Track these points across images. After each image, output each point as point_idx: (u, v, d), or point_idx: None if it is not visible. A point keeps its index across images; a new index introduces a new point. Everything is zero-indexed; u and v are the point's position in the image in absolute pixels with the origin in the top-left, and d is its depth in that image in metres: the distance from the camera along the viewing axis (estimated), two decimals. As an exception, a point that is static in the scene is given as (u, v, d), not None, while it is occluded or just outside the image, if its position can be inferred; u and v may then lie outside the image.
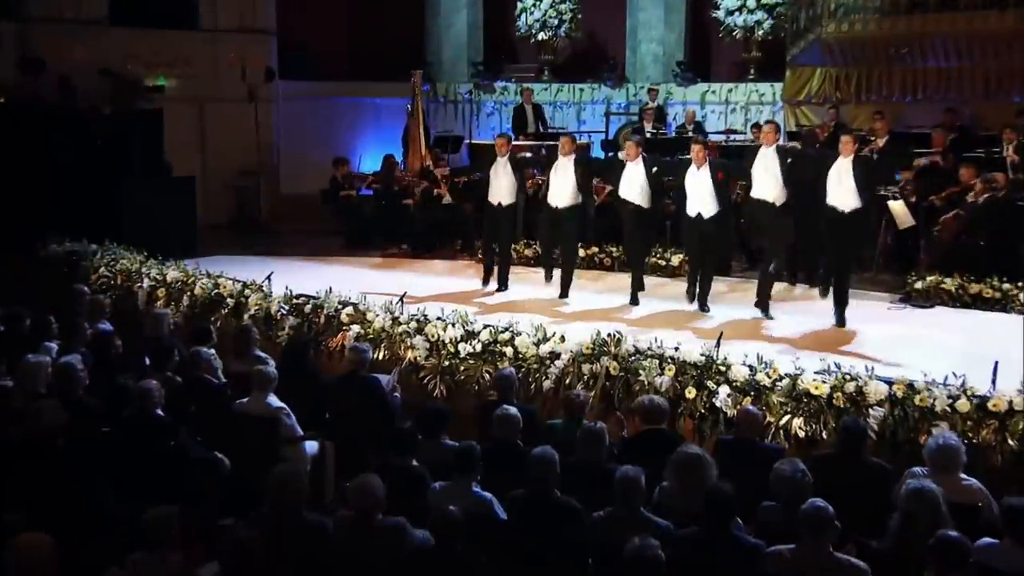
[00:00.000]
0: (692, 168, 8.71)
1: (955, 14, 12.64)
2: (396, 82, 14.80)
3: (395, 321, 7.92)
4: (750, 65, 15.57)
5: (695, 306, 8.94)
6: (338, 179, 13.12)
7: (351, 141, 15.72)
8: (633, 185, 9.06)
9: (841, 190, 7.99)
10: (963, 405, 5.64)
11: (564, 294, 9.49)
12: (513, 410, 5.39)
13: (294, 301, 8.54)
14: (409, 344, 7.67)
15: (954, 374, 5.85)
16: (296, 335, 7.97)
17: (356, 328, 7.97)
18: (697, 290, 8.93)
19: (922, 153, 11.44)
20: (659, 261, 10.53)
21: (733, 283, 10.10)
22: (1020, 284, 8.54)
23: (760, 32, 15.09)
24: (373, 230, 12.74)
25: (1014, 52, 12.61)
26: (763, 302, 8.60)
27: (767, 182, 8.38)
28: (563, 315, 8.81)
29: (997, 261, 8.99)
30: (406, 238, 12.29)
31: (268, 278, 8.97)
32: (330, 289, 8.55)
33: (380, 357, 7.71)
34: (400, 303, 8.25)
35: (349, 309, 8.21)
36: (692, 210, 8.70)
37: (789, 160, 8.34)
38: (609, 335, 6.97)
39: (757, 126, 13.62)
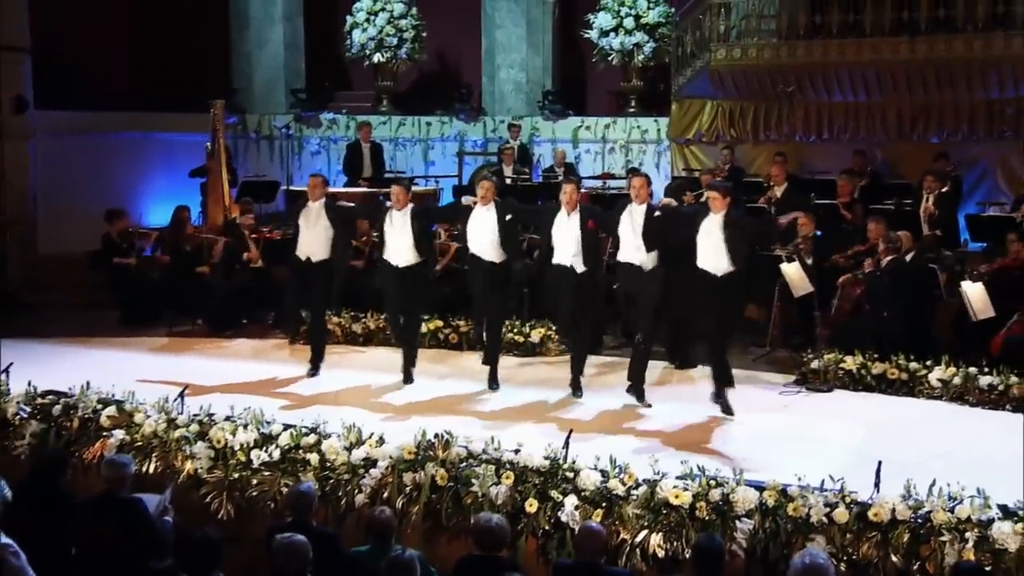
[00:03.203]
0: (561, 214, 9.08)
1: (861, 41, 13.65)
2: (193, 113, 14.77)
3: (171, 424, 7.92)
4: (630, 96, 16.31)
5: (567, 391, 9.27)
6: (113, 237, 12.97)
7: (134, 188, 15.62)
8: (482, 235, 9.34)
9: (711, 252, 8.49)
10: (840, 515, 6.03)
11: (408, 379, 9.72)
12: (299, 537, 5.47)
13: (39, 401, 8.42)
14: (188, 453, 7.65)
15: (831, 477, 6.26)
16: (46, 450, 7.83)
17: (119, 434, 7.91)
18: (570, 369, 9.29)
19: (824, 205, 12.18)
20: (515, 337, 10.81)
21: (605, 363, 10.46)
22: (929, 363, 9.15)
23: (640, 57, 15.86)
24: (159, 302, 12.61)
25: (929, 86, 13.65)
26: (636, 386, 8.98)
27: (633, 243, 8.81)
28: (393, 408, 8.98)
29: (904, 336, 9.62)
30: (201, 312, 12.25)
31: (6, 370, 8.83)
32: (88, 384, 8.48)
33: (150, 470, 7.70)
34: (180, 399, 8.24)
35: (111, 409, 8.15)
36: (558, 262, 9.07)
37: (656, 215, 8.77)
38: (436, 436, 7.15)
39: (635, 171, 14.20)
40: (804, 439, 8.00)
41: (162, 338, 11.81)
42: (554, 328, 10.70)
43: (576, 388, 9.26)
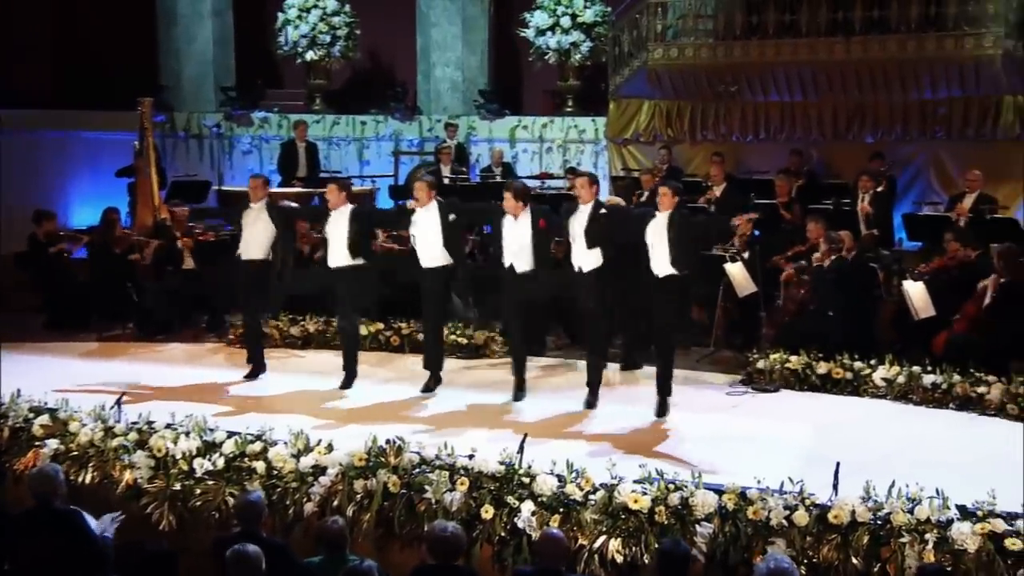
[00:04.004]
0: (507, 219, 9.00)
1: (797, 41, 13.77)
2: (120, 111, 14.53)
3: (108, 432, 7.71)
4: (567, 96, 16.27)
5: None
6: (40, 239, 12.64)
7: (57, 188, 15.26)
8: (424, 237, 9.22)
9: (657, 252, 8.47)
10: (800, 517, 6.00)
11: (348, 383, 9.56)
12: (253, 547, 5.32)
13: (-36, 411, 8.17)
14: (127, 462, 7.45)
15: (790, 479, 6.24)
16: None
17: (53, 443, 7.69)
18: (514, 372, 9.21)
19: (761, 205, 12.22)
20: (459, 338, 10.69)
21: (548, 364, 10.39)
22: (873, 363, 9.22)
23: (577, 57, 15.82)
24: (88, 306, 12.33)
25: (864, 86, 13.82)
26: (590, 393, 8.94)
27: (579, 247, 8.76)
28: (337, 414, 8.82)
29: (848, 335, 9.69)
30: (132, 315, 12.02)
31: (-70, 378, 8.57)
32: (19, 391, 8.27)
33: (87, 480, 7.50)
34: (117, 407, 8.03)
35: (44, 418, 7.93)
36: (507, 262, 8.99)
37: (601, 213, 8.72)
38: (388, 442, 7.02)
39: (573, 171, 14.23)
40: (755, 440, 7.98)
41: (92, 343, 11.53)
42: (498, 329, 10.65)
43: (519, 391, 9.19)
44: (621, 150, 15.39)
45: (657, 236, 8.46)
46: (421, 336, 10.21)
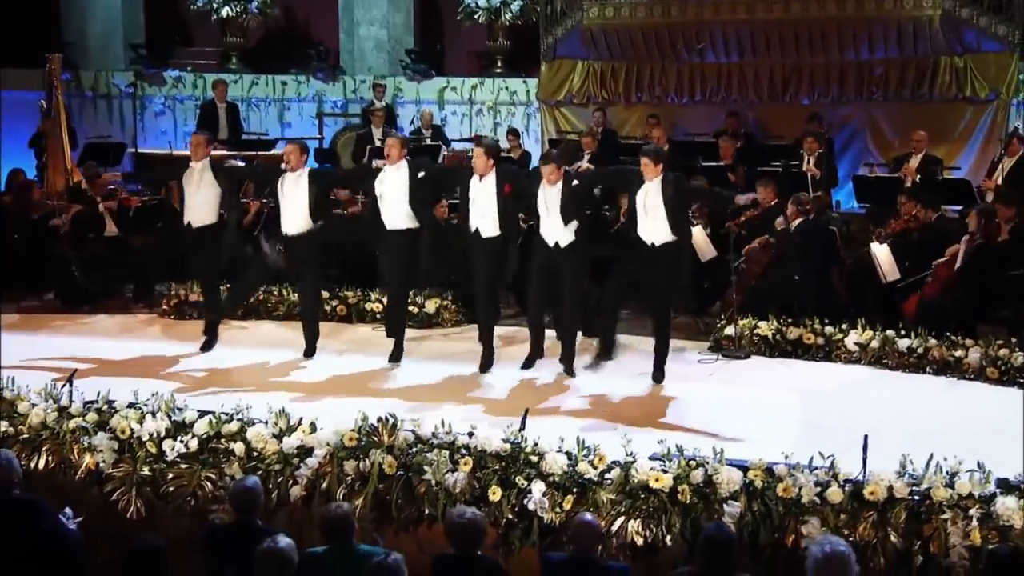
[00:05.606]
0: (474, 180, 8.58)
1: (735, 1, 13.53)
2: (23, 68, 13.68)
3: (63, 412, 7.10)
4: (496, 56, 15.80)
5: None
6: (-56, 205, 11.77)
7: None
8: (393, 197, 8.72)
9: (650, 221, 8.10)
10: (835, 494, 5.70)
11: (310, 351, 9.10)
12: (285, 541, 4.85)
13: None
14: (87, 445, 6.86)
15: (821, 454, 5.95)
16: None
17: (1, 426, 7.07)
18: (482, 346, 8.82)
19: (711, 167, 12.01)
20: (409, 307, 10.20)
21: (503, 334, 9.91)
22: (844, 327, 9.03)
23: (508, 16, 15.35)
24: (2, 275, 11.50)
25: (801, 47, 13.67)
26: (567, 360, 8.63)
27: (550, 221, 8.39)
28: (305, 387, 8.32)
29: (815, 298, 9.50)
30: (53, 284, 11.30)
31: None
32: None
33: (41, 465, 6.91)
34: (68, 384, 7.39)
35: (-14, 398, 7.30)
36: (472, 226, 8.59)
37: (574, 185, 8.38)
38: (380, 419, 6.54)
39: (514, 133, 13.85)
40: (743, 409, 7.66)
41: (12, 315, 10.70)
42: (451, 297, 10.24)
43: (487, 364, 8.79)
44: (554, 112, 15.01)
45: (651, 203, 8.06)
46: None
